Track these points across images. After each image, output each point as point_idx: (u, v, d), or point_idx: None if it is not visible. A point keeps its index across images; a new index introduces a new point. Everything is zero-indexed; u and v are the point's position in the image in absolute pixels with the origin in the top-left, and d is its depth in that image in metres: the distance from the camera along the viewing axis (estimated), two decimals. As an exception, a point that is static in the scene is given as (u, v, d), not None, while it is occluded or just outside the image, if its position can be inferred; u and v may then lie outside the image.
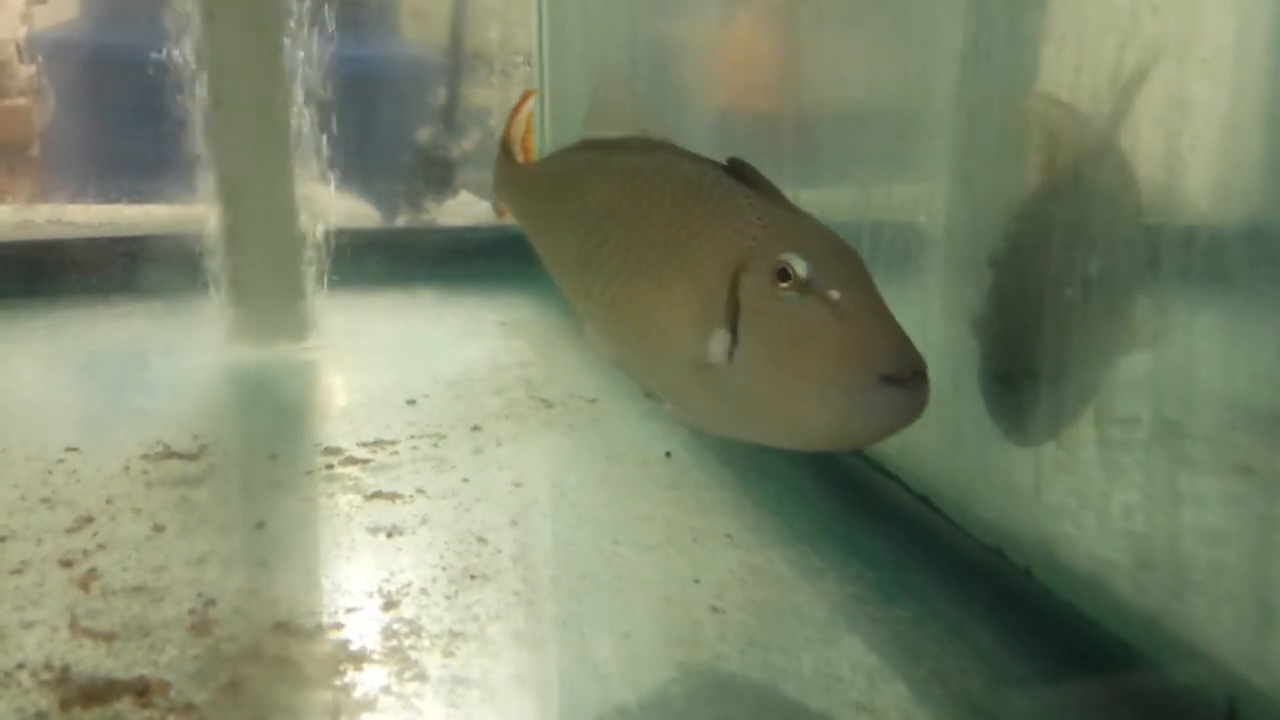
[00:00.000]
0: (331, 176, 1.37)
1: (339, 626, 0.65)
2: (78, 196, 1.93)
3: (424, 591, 0.70)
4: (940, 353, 0.75)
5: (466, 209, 1.91)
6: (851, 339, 0.47)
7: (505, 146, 0.84)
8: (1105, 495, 0.57)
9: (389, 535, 0.79)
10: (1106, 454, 0.57)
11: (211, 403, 1.11)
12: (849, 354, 0.47)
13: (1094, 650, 0.55)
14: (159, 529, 0.79)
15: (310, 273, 1.29)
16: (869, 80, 0.87)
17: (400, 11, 2.33)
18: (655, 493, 0.87)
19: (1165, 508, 0.53)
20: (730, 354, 0.51)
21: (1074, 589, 0.57)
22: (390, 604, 0.68)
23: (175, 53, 1.26)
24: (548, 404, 1.09)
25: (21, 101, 3.44)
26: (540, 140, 1.77)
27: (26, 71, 3.46)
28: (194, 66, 1.24)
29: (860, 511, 0.78)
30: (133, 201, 1.82)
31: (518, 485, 0.89)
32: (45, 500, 0.83)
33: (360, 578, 0.72)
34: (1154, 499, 0.54)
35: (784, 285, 0.49)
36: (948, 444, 0.73)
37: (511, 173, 0.82)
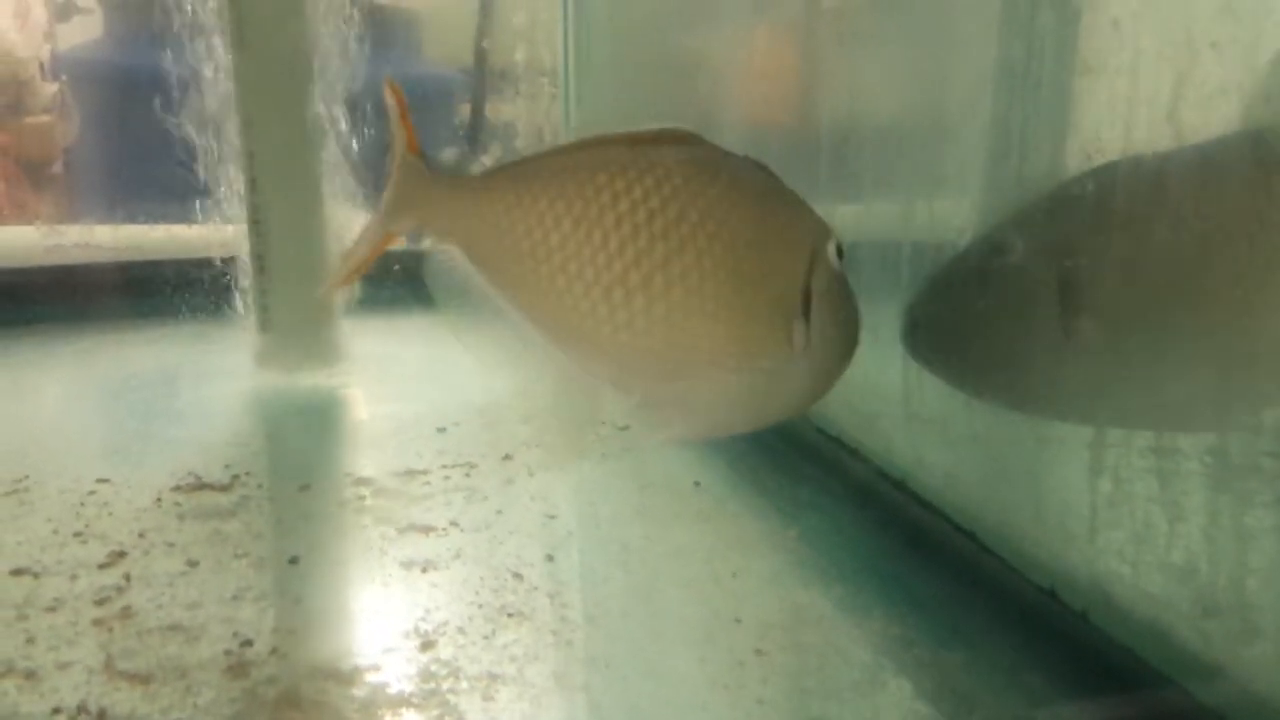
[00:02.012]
0: (358, 198, 1.36)
1: (377, 668, 0.64)
2: (105, 218, 1.93)
3: (461, 630, 0.69)
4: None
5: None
6: None
7: (414, 156, 0.64)
8: (1166, 535, 0.55)
9: (423, 570, 0.78)
10: (1166, 489, 0.56)
11: (242, 431, 1.10)
12: None
13: (1157, 701, 0.54)
14: (192, 564, 0.78)
15: (339, 297, 1.29)
16: (905, 97, 0.86)
17: (424, 31, 2.33)
18: (692, 525, 0.86)
19: (1229, 548, 0.52)
20: (806, 340, 0.51)
21: (1134, 635, 0.56)
22: (427, 644, 0.67)
23: (203, 74, 1.26)
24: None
25: (45, 119, 3.47)
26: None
27: (50, 89, 3.50)
28: (222, 88, 1.24)
29: (905, 547, 0.76)
30: (161, 223, 1.82)
31: (551, 517, 0.88)
32: (78, 534, 0.83)
33: (396, 616, 0.71)
34: (1217, 538, 0.52)
35: (840, 261, 0.50)
36: (995, 478, 0.71)
37: (447, 185, 0.64)
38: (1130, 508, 0.58)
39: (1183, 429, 0.56)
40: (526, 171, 0.61)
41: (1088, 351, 0.57)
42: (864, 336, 0.89)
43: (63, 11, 3.83)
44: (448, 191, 0.63)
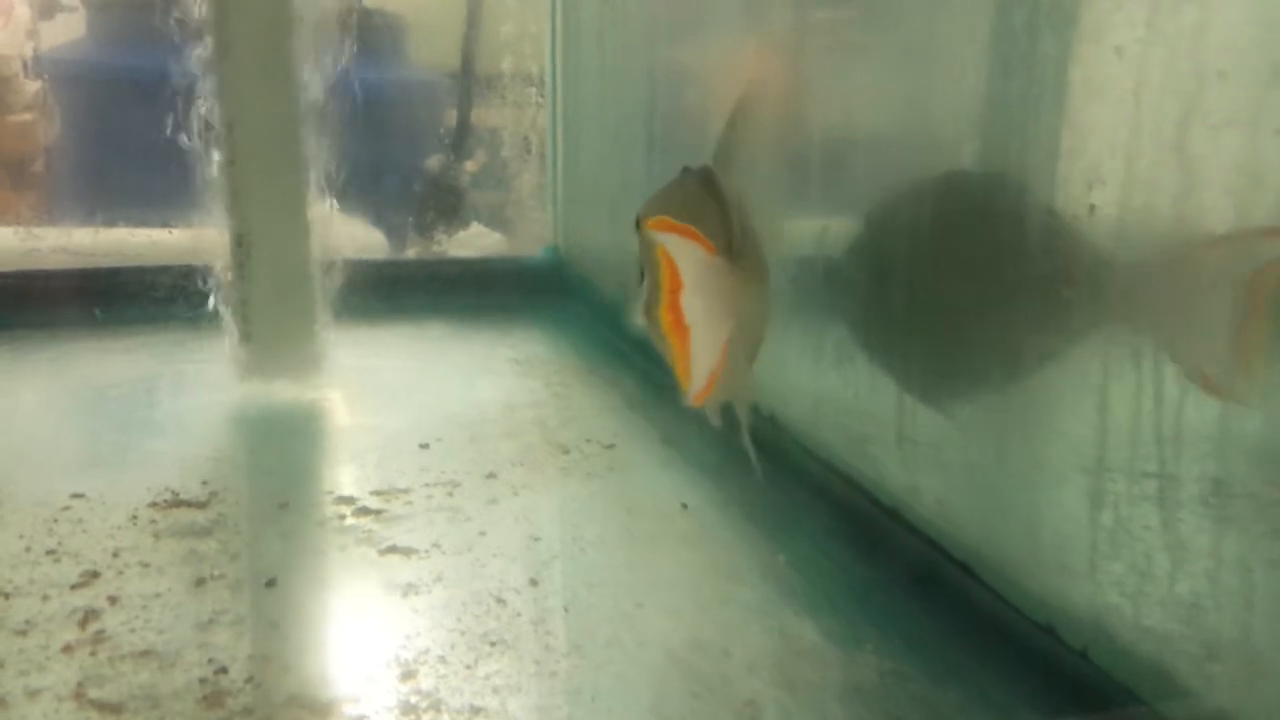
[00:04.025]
0: (340, 205, 1.34)
1: (355, 700, 0.62)
2: (85, 220, 1.91)
3: (442, 659, 0.67)
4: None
5: (478, 240, 1.89)
6: None
7: (715, 257, 0.62)
8: (1168, 569, 0.54)
9: (404, 594, 0.76)
10: (1168, 522, 0.55)
11: (221, 445, 1.08)
12: None
13: (1158, 746, 0.53)
14: (168, 586, 0.76)
15: (320, 307, 1.27)
16: (897, 118, 0.85)
17: (410, 36, 2.31)
18: (679, 550, 0.84)
19: (1234, 585, 0.51)
20: None
21: (1136, 675, 0.54)
22: (408, 674, 0.65)
23: (186, 77, 1.24)
24: (564, 449, 1.06)
25: (27, 117, 3.43)
26: (551, 174, 1.76)
27: (32, 87, 3.46)
28: (205, 92, 1.22)
29: (897, 578, 0.75)
30: (140, 228, 1.80)
31: (535, 539, 0.87)
32: (51, 552, 0.81)
33: (376, 643, 0.69)
34: (1220, 576, 0.51)
35: None
36: (989, 506, 0.70)
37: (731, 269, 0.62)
38: (1131, 539, 0.57)
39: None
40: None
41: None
42: (855, 356, 0.88)
43: (46, 9, 3.79)
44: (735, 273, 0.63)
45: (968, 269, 0.72)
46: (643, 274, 0.70)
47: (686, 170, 0.67)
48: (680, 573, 0.81)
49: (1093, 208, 0.60)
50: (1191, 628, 0.53)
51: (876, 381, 0.83)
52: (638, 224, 0.66)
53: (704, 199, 0.63)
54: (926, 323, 0.76)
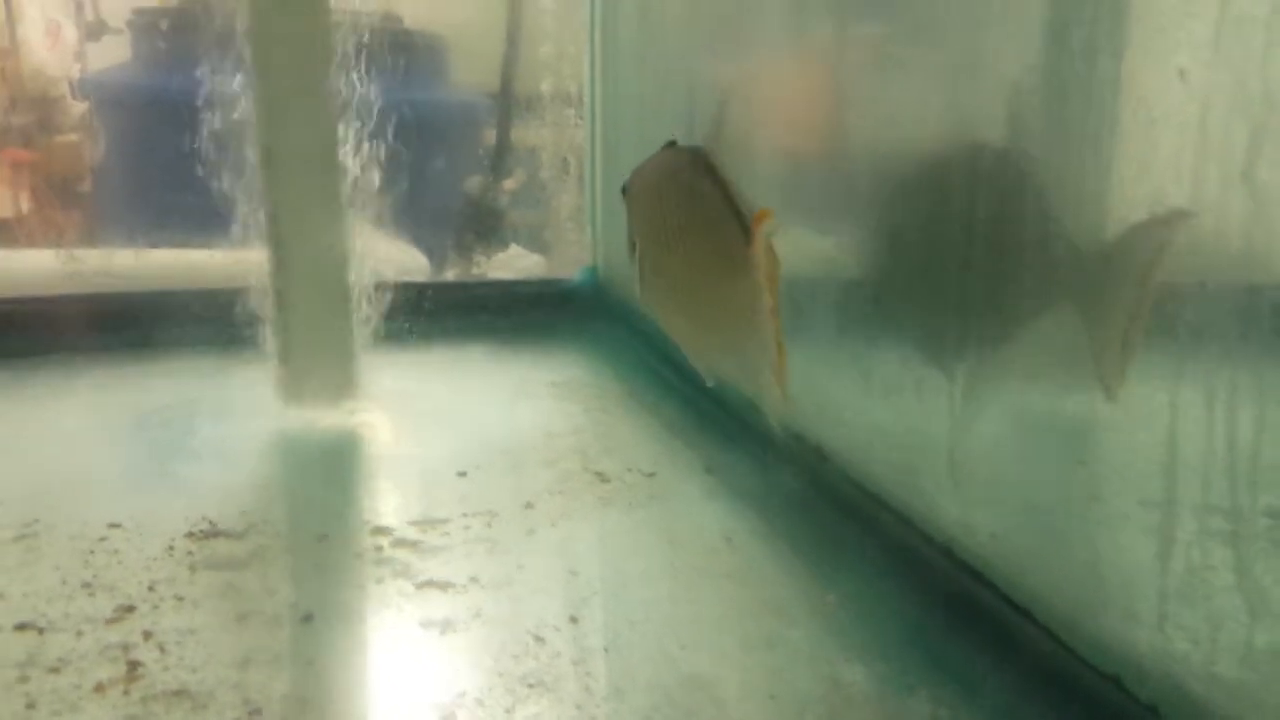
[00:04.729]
0: (380, 227, 1.34)
1: (392, 746, 0.61)
2: (127, 242, 1.92)
3: (480, 702, 0.65)
4: (1035, 432, 0.70)
5: (516, 262, 1.88)
6: None
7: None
8: (1246, 620, 0.51)
9: (442, 632, 0.74)
10: (1244, 565, 0.52)
11: (259, 472, 1.07)
12: None
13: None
14: (203, 621, 0.75)
15: (360, 330, 1.26)
16: (941, 133, 0.83)
17: (450, 56, 2.32)
18: (723, 587, 0.82)
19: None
20: None
21: (1209, 735, 0.51)
22: (445, 718, 0.63)
23: (227, 101, 1.24)
24: (603, 478, 1.04)
25: (73, 138, 3.49)
26: (590, 195, 1.74)
27: (79, 109, 3.52)
28: (246, 116, 1.22)
29: (952, 620, 0.72)
30: (182, 249, 1.80)
31: (574, 574, 0.85)
32: (86, 585, 0.80)
33: (413, 684, 0.68)
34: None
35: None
36: (1049, 544, 0.67)
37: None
38: (1203, 584, 0.54)
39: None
40: None
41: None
42: (905, 384, 0.86)
43: (93, 31, 3.86)
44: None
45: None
46: (633, 245, 0.69)
47: (673, 143, 0.67)
48: (725, 610, 0.79)
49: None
50: (1273, 682, 0.50)
51: (928, 411, 0.81)
52: (624, 191, 0.65)
53: (695, 172, 0.63)
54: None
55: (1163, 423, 0.57)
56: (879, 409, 0.88)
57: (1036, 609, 0.67)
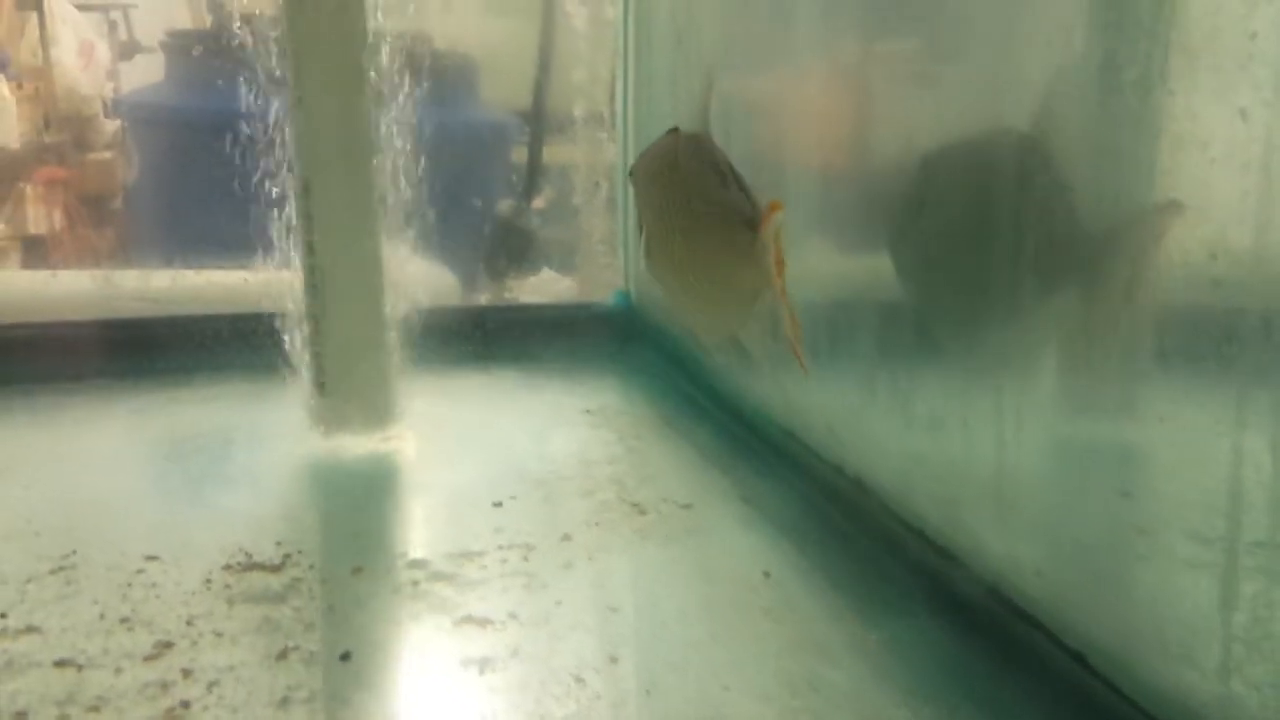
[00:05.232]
0: (414, 252, 1.34)
1: (433, 793, 0.60)
2: (162, 263, 1.93)
3: (522, 746, 0.64)
4: (1083, 463, 0.68)
5: (549, 286, 1.88)
6: None
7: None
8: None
9: (481, 671, 0.74)
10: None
11: (294, 502, 1.07)
12: None
13: None
14: (241, 659, 0.74)
15: (394, 356, 1.26)
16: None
17: (481, 75, 2.33)
18: (763, 625, 0.81)
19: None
20: None
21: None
22: (487, 762, 0.63)
23: (262, 123, 1.24)
24: (640, 510, 1.03)
25: (107, 155, 3.54)
26: (622, 218, 1.74)
27: (111, 127, 3.56)
28: (281, 139, 1.23)
29: (1001, 665, 0.70)
30: (217, 271, 1.81)
31: (613, 610, 0.84)
32: (124, 620, 0.80)
33: (452, 726, 0.67)
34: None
35: None
36: (1104, 585, 0.66)
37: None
38: (1272, 629, 0.53)
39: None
40: None
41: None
42: (948, 414, 0.84)
43: (126, 51, 3.91)
44: None
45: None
46: (640, 226, 0.75)
47: (675, 130, 0.71)
48: (766, 650, 0.77)
49: (1217, 281, 0.56)
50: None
51: (972, 443, 0.80)
52: (630, 175, 0.74)
53: (694, 156, 0.69)
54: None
55: (1221, 455, 0.56)
56: (920, 440, 0.86)
57: (1090, 652, 0.65)
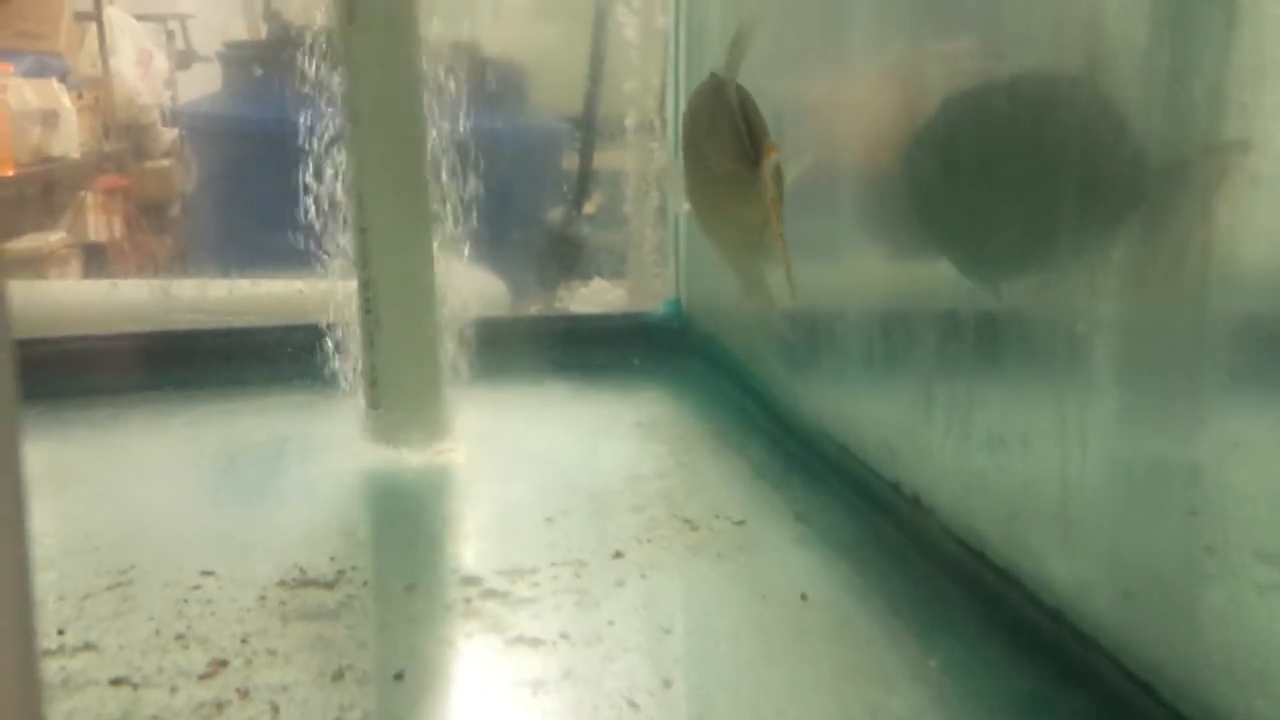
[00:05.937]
0: (466, 262, 1.34)
1: (485, 820, 0.59)
2: (218, 273, 1.95)
3: (575, 772, 0.64)
4: (1155, 491, 0.66)
5: (599, 296, 1.87)
6: None
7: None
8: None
9: (533, 692, 0.73)
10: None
11: (347, 516, 1.07)
12: None
13: None
14: (295, 678, 0.75)
15: (446, 369, 1.26)
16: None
17: (531, 81, 2.33)
18: (819, 647, 0.79)
19: None
20: None
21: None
22: (539, 789, 0.62)
23: (317, 134, 1.25)
24: (692, 526, 1.02)
25: (164, 163, 3.60)
26: (673, 227, 1.73)
27: (169, 135, 3.62)
28: (336, 150, 1.23)
29: (1066, 693, 0.68)
30: (273, 281, 1.83)
31: (666, 631, 0.83)
32: (179, 637, 0.80)
33: (505, 751, 0.66)
34: None
35: None
36: (1175, 614, 0.63)
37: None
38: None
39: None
40: None
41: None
42: (1011, 431, 0.82)
43: (183, 60, 3.97)
44: None
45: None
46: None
47: (714, 75, 0.78)
48: (821, 674, 0.76)
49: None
50: None
51: (1035, 460, 0.77)
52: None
53: (717, 99, 0.76)
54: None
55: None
56: (980, 456, 0.84)
57: (1159, 683, 0.63)
